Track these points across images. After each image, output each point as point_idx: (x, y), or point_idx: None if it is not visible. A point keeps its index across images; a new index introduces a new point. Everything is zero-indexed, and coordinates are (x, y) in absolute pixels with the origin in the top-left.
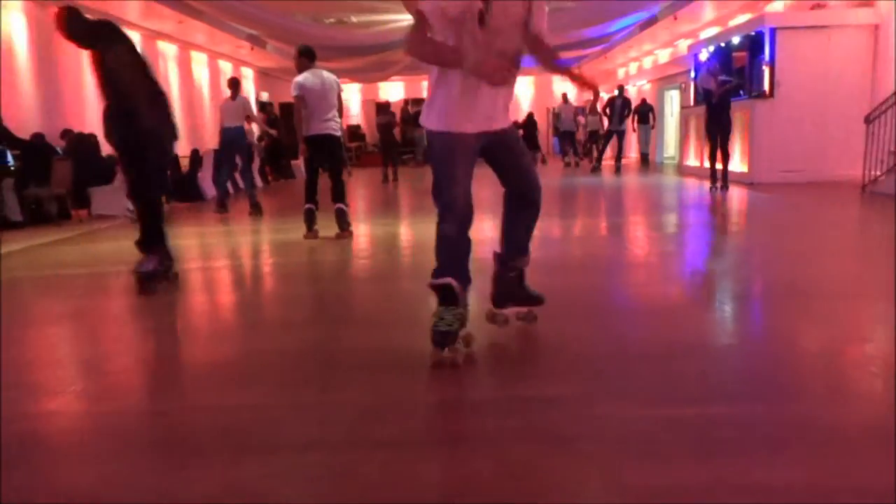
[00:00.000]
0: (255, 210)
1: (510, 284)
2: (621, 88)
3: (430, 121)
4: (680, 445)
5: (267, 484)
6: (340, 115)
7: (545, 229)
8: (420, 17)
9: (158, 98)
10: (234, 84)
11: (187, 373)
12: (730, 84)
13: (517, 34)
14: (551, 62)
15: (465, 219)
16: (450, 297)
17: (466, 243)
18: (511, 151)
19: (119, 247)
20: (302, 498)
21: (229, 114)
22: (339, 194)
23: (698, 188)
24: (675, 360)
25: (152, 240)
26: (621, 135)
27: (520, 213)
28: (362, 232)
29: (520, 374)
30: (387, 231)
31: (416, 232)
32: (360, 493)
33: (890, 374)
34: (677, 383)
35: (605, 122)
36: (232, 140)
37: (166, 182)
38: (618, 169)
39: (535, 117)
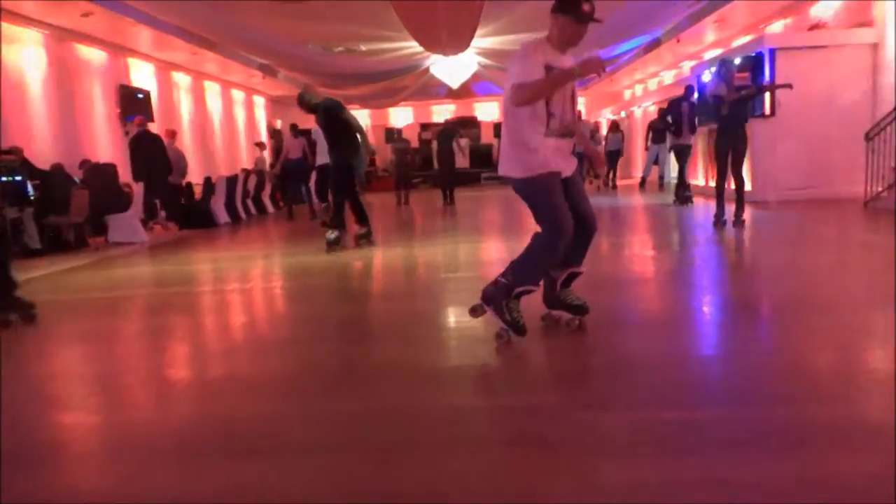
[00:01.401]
0: (315, 217)
1: (547, 289)
2: (689, 90)
3: (525, 170)
4: (657, 446)
5: (270, 483)
6: None
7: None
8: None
9: (355, 141)
10: (294, 126)
11: (201, 385)
12: (746, 91)
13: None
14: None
15: (568, 240)
16: (521, 296)
17: None
18: (577, 191)
19: (134, 272)
20: (302, 494)
21: (293, 148)
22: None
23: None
24: (662, 370)
25: (334, 222)
26: (687, 151)
27: (580, 236)
28: (376, 253)
29: (509, 385)
30: (400, 252)
31: (428, 253)
32: (355, 490)
33: (885, 381)
34: (660, 391)
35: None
36: (294, 168)
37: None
38: (687, 198)
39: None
